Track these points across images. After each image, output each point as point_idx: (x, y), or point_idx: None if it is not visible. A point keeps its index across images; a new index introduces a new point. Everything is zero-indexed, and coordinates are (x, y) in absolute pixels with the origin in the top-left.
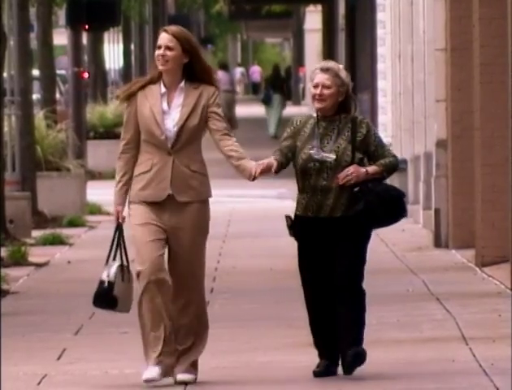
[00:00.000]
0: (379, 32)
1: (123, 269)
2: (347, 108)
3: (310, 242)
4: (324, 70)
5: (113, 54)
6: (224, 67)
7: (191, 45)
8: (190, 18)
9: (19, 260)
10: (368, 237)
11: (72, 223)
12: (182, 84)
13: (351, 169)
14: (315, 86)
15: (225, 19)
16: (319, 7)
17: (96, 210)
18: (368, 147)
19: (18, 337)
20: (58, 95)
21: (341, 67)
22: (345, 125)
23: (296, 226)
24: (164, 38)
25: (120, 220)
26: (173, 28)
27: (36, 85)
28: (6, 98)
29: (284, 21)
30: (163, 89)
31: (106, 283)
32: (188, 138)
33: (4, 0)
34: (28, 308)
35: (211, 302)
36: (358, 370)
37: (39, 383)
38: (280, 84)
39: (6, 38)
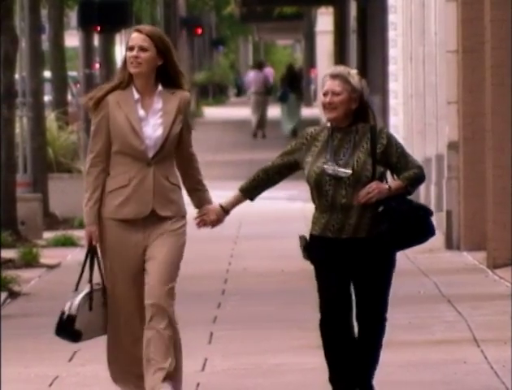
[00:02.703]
0: (391, 33)
1: (92, 296)
2: (364, 117)
3: (329, 266)
4: (333, 76)
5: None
6: (259, 66)
7: (165, 47)
8: (201, 20)
9: (31, 261)
10: (394, 261)
11: (84, 225)
12: (159, 88)
13: (373, 186)
14: (325, 94)
15: (236, 21)
16: (331, 9)
17: None
18: (390, 159)
19: (29, 339)
20: (69, 97)
21: (353, 71)
22: (363, 136)
23: (312, 248)
24: (137, 38)
25: (94, 242)
26: (146, 27)
27: (47, 87)
28: (17, 100)
29: (295, 23)
30: (137, 95)
31: (65, 317)
32: (169, 148)
33: (16, 2)
34: (40, 309)
35: (222, 304)
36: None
37: (50, 385)
38: (297, 84)
39: (17, 40)
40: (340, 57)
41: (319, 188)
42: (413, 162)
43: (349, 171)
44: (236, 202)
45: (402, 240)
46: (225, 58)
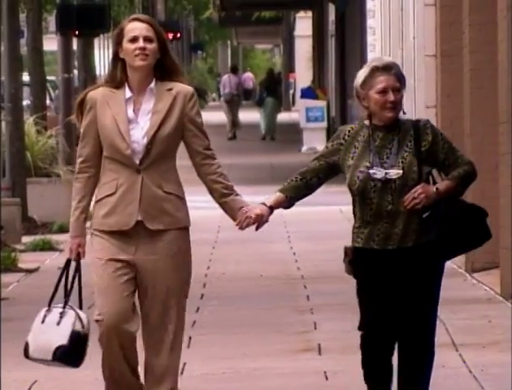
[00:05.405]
0: (369, 38)
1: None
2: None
3: (373, 279)
4: (386, 68)
5: (103, 59)
6: (235, 70)
7: (163, 37)
8: (180, 24)
9: (10, 266)
10: (443, 271)
11: (62, 229)
12: (152, 84)
13: (419, 190)
14: (383, 91)
15: (215, 26)
16: (310, 13)
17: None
18: (436, 156)
19: (8, 343)
20: (48, 101)
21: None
22: (406, 133)
23: (355, 261)
24: (140, 28)
25: (82, 256)
26: (144, 16)
27: (26, 91)
28: None
29: (274, 27)
30: (129, 93)
31: (83, 335)
32: (160, 152)
33: None
34: (19, 314)
35: (201, 308)
36: (351, 376)
37: (29, 389)
38: (274, 88)
39: None
40: (319, 61)
41: (363, 196)
42: (462, 157)
43: (401, 171)
44: (277, 202)
45: (453, 247)
46: (203, 63)
